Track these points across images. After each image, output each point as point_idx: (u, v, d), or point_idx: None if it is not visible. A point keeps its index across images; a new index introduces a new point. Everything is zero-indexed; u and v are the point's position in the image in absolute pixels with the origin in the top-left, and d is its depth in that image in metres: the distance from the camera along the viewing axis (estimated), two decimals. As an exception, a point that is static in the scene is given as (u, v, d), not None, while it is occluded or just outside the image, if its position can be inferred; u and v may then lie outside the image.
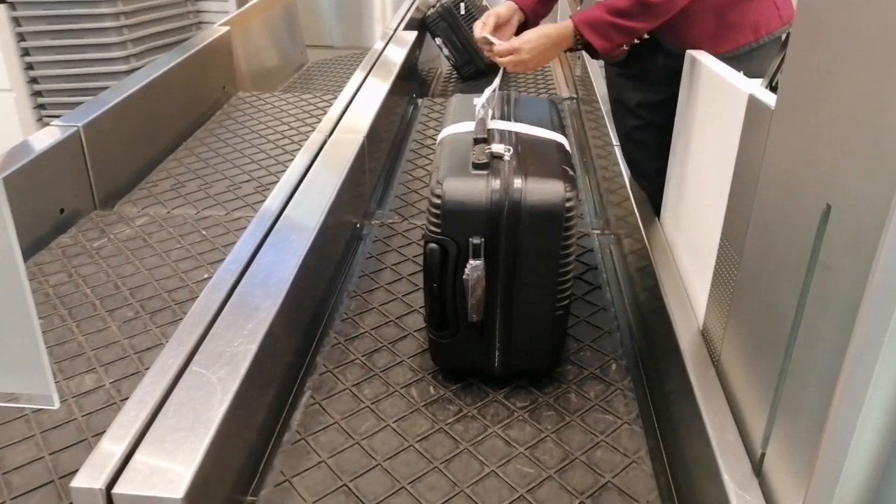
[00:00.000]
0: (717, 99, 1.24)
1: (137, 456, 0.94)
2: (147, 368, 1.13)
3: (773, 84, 1.19)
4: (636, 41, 1.45)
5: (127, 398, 1.04)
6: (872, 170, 0.68)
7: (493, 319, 1.27)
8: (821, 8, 0.82)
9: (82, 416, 1.25)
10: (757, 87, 1.08)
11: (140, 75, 2.34)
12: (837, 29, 0.78)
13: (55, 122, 1.95)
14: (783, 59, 0.94)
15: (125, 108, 2.14)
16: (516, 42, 1.39)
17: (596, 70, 2.56)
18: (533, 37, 1.39)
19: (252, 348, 1.12)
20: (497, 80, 1.43)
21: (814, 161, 0.81)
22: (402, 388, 1.34)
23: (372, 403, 1.30)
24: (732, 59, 1.35)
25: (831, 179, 0.76)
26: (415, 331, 1.50)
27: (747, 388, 0.99)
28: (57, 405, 0.72)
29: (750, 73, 1.29)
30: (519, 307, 1.26)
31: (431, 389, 1.34)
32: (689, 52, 1.40)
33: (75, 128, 1.91)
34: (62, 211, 1.86)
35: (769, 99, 0.98)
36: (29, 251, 1.73)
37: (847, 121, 0.74)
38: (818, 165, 0.80)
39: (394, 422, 1.26)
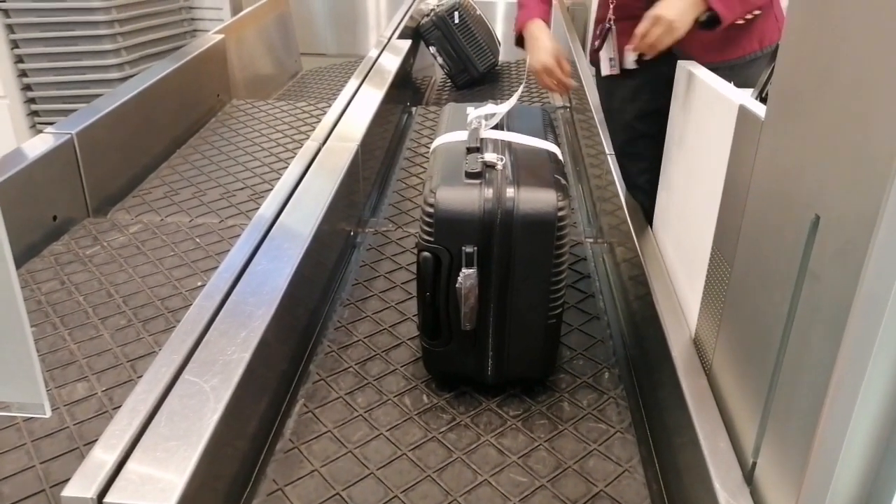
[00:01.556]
0: (708, 109, 1.25)
1: (129, 465, 0.94)
2: (140, 377, 1.12)
3: (763, 95, 1.21)
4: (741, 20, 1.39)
5: (119, 406, 1.04)
6: (860, 181, 0.69)
7: (486, 328, 1.27)
8: (809, 20, 0.83)
9: (74, 424, 1.25)
10: (747, 98, 1.09)
11: (134, 82, 2.34)
12: (825, 41, 0.78)
13: (49, 129, 1.95)
14: (773, 70, 0.95)
15: (119, 116, 2.14)
16: (660, 11, 1.29)
17: (589, 79, 2.57)
18: (672, 2, 1.30)
19: (245, 356, 1.12)
20: (514, 98, 1.44)
21: (802, 172, 0.82)
22: (395, 396, 1.34)
23: (365, 412, 1.30)
24: (734, 68, 1.36)
25: (820, 190, 0.77)
26: (408, 339, 1.50)
27: (738, 396, 1.00)
28: (48, 414, 0.71)
29: (750, 82, 1.30)
30: (512, 316, 1.26)
31: (424, 398, 1.34)
32: (680, 62, 1.41)
33: (69, 135, 1.91)
34: (55, 218, 1.86)
35: (759, 110, 0.99)
36: (21, 258, 1.73)
37: (835, 132, 0.75)
38: (807, 176, 0.81)
39: (387, 430, 1.26)
